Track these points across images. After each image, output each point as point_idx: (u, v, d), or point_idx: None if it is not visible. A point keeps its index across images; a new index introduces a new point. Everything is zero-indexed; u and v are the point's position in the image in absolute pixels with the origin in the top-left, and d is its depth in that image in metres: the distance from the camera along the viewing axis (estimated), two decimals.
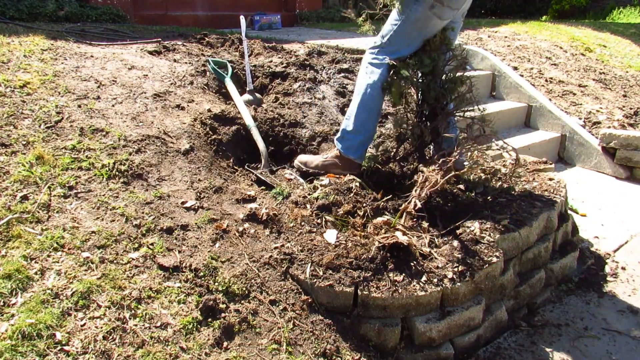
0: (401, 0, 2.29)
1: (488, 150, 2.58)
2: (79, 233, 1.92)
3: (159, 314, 1.74)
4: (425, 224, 2.26)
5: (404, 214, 2.20)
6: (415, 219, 2.28)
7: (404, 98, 2.54)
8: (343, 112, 3.39)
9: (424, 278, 1.98)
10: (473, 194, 2.58)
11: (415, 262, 2.06)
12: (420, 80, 2.48)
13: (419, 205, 2.14)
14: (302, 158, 2.78)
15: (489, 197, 2.57)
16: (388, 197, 2.44)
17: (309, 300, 1.97)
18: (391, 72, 2.48)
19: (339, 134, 2.64)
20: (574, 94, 4.88)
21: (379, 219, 2.22)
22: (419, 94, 2.54)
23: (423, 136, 2.49)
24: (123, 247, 1.93)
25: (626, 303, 2.48)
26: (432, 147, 2.62)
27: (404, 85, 2.42)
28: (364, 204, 2.37)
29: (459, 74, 2.45)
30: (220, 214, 2.26)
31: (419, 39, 2.36)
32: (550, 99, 4.71)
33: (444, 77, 2.44)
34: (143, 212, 2.11)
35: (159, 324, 1.71)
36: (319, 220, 2.28)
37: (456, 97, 2.45)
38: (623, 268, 2.79)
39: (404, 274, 1.99)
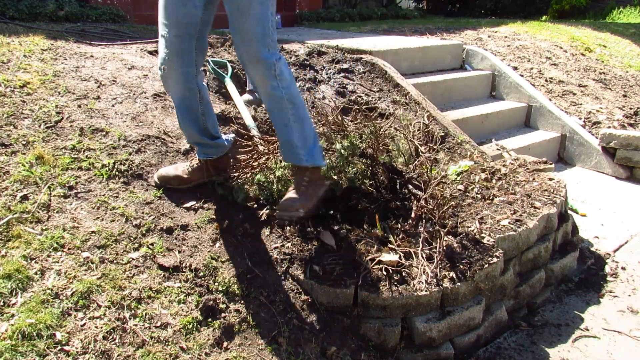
0: None
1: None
2: (79, 233, 1.92)
3: (159, 314, 1.74)
4: (424, 225, 2.26)
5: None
6: (414, 222, 2.28)
7: None
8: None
9: (424, 278, 1.98)
10: (472, 194, 2.58)
11: (415, 263, 2.05)
12: None
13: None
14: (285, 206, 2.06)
15: (488, 197, 2.57)
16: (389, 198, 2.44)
17: (309, 300, 1.97)
18: None
19: (305, 152, 2.06)
20: (574, 94, 4.88)
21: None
22: None
23: None
24: (123, 247, 1.93)
25: (626, 303, 2.48)
26: None
27: None
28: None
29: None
30: (221, 213, 2.26)
31: None
32: (550, 99, 4.70)
33: None
34: (143, 212, 2.11)
35: (159, 324, 1.71)
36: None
37: None
38: (623, 268, 2.79)
39: (403, 274, 1.99)
